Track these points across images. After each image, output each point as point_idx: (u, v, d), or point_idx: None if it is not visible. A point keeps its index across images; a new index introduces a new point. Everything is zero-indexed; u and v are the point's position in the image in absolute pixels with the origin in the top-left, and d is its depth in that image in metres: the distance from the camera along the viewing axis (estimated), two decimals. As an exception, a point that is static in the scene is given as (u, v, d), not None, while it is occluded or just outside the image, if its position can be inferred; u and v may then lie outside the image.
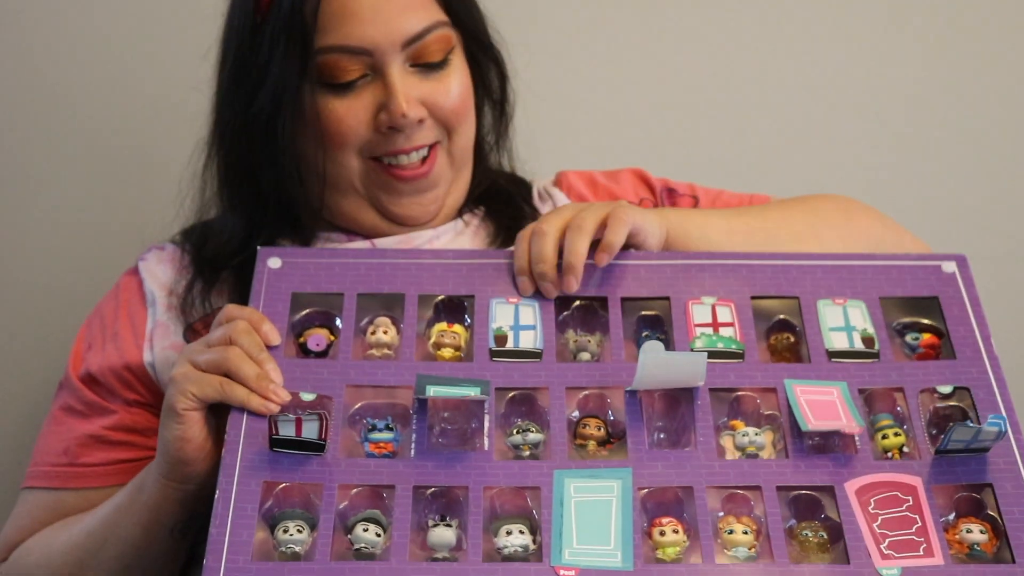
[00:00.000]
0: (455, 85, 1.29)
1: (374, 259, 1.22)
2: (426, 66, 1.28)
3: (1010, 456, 1.08)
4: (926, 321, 1.20)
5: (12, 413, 1.64)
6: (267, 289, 1.19)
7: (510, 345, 1.16)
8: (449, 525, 1.05)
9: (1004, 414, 1.11)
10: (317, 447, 1.08)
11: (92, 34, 1.65)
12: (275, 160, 1.28)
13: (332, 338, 1.18)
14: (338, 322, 1.18)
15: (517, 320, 1.18)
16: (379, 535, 1.04)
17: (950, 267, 1.22)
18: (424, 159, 1.29)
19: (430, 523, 1.05)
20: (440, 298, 1.20)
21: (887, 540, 1.04)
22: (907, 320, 1.20)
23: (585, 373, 1.15)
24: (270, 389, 1.11)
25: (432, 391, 1.11)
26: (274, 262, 1.21)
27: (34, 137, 1.66)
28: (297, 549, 1.04)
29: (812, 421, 1.09)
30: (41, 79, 1.64)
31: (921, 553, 1.03)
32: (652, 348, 1.09)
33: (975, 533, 1.05)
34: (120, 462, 1.28)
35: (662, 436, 1.12)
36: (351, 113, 1.26)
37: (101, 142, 1.66)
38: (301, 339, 1.18)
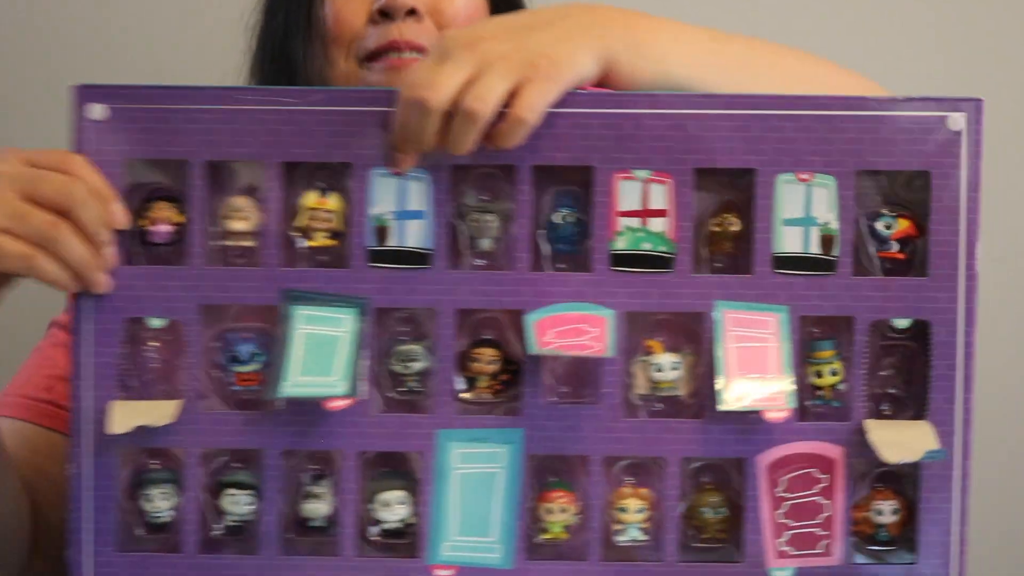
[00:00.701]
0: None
1: (226, 104, 0.95)
2: None
3: (948, 426, 0.96)
4: (904, 206, 0.97)
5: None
6: (92, 155, 0.95)
7: (393, 240, 0.96)
8: (321, 496, 0.98)
9: (960, 384, 0.95)
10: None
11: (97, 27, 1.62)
12: (290, 83, 1.23)
13: (180, 218, 0.97)
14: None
15: (403, 203, 0.96)
16: (250, 504, 0.98)
17: (958, 122, 0.95)
18: None
19: (303, 490, 0.98)
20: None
21: (787, 533, 0.97)
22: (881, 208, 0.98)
23: (480, 289, 0.96)
24: (99, 281, 0.95)
25: (301, 317, 0.95)
26: (97, 111, 0.96)
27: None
28: (165, 519, 0.98)
29: (734, 391, 0.94)
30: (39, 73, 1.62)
31: (820, 551, 0.97)
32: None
33: (885, 514, 0.97)
34: None
35: (563, 386, 0.98)
36: (347, 6, 1.21)
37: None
38: (142, 223, 0.97)
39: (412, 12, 1.18)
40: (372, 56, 1.19)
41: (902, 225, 0.97)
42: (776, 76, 0.99)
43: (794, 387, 0.95)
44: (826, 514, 0.97)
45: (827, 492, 0.96)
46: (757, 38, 1.03)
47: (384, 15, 1.18)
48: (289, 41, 1.23)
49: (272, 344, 0.96)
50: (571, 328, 0.96)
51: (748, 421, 0.96)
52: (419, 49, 1.18)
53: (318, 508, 0.98)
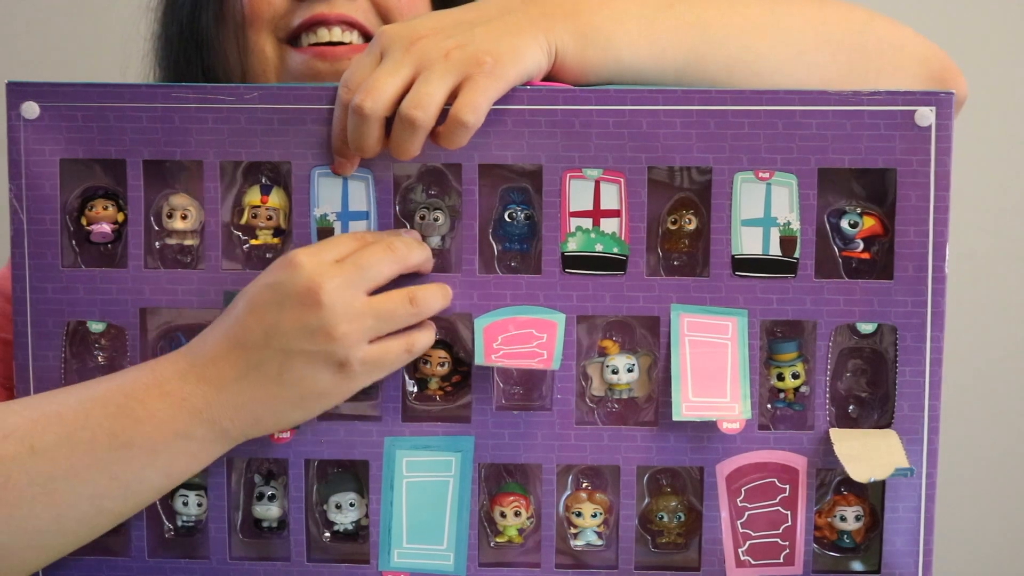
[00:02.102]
0: None
1: (160, 103, 0.92)
2: None
3: (915, 434, 0.92)
4: (871, 204, 0.92)
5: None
6: (26, 154, 0.93)
7: (337, 242, 0.93)
8: (274, 496, 0.96)
9: (927, 391, 0.91)
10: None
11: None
12: (203, 69, 1.10)
13: (120, 216, 0.95)
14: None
15: (345, 203, 0.93)
16: (201, 504, 0.96)
17: (926, 117, 0.89)
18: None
19: (255, 492, 0.96)
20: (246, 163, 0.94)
21: (748, 543, 0.94)
22: (845, 205, 0.93)
23: (427, 292, 0.93)
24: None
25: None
26: (30, 110, 0.92)
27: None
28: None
29: (689, 400, 0.91)
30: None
31: (781, 560, 0.94)
32: None
33: (849, 521, 0.94)
34: None
35: (514, 386, 0.95)
36: None
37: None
38: (84, 222, 0.95)
39: None
40: (297, 35, 1.07)
41: (868, 223, 0.92)
42: (730, 30, 0.93)
43: (750, 397, 0.92)
44: (787, 524, 0.94)
45: (788, 502, 0.93)
46: None
47: None
48: (198, 19, 1.09)
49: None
50: (521, 333, 0.93)
51: (706, 429, 0.92)
52: (352, 24, 1.07)
53: (269, 510, 0.96)
